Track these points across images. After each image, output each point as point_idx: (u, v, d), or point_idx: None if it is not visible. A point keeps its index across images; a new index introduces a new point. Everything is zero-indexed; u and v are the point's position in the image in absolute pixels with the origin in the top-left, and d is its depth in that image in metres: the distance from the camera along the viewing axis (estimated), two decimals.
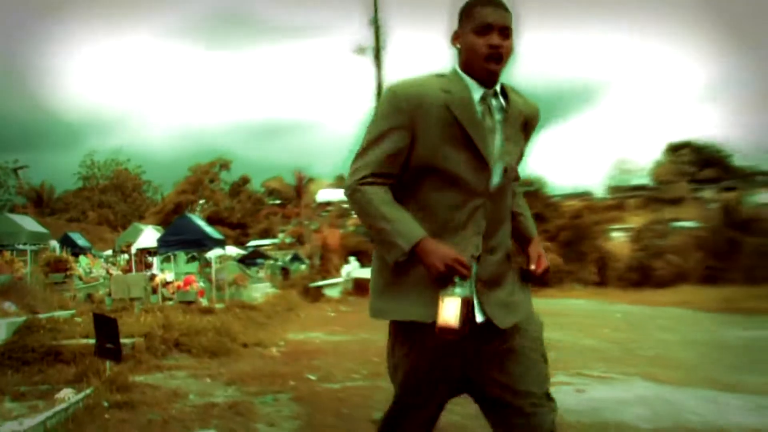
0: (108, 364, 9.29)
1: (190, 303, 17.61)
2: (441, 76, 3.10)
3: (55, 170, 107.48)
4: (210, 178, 75.28)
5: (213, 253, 25.63)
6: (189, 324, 13.38)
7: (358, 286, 32.49)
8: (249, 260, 39.09)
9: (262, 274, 32.40)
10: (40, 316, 12.41)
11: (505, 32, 2.97)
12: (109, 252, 33.54)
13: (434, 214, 3.02)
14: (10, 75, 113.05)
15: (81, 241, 33.36)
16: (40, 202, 68.27)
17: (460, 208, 3.00)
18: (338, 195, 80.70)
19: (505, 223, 3.18)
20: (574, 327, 16.31)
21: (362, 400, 8.29)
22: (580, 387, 8.74)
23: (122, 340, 10.07)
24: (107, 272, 24.03)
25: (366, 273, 35.60)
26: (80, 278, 21.58)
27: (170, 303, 17.58)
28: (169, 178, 77.40)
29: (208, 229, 27.66)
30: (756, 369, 10.20)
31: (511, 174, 3.12)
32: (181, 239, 25.94)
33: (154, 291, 18.48)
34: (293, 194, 52.10)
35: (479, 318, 3.01)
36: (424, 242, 2.88)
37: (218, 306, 17.91)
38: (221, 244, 28.12)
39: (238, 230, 66.53)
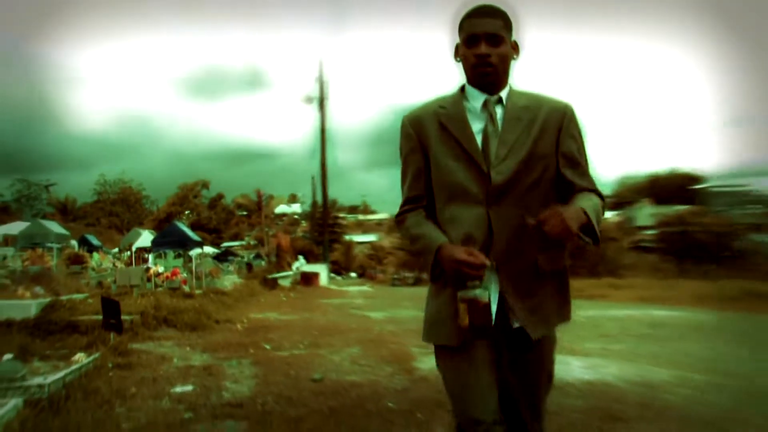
0: (112, 335, 9.22)
1: (175, 289, 17.42)
2: (444, 95, 2.56)
3: (76, 187, 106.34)
4: (193, 194, 74.88)
5: (194, 252, 25.45)
6: (174, 305, 13.27)
7: (304, 278, 32.36)
8: (222, 257, 38.63)
9: (231, 268, 32.06)
10: (62, 297, 12.27)
11: (494, 39, 2.34)
12: (116, 250, 32.90)
13: (452, 226, 2.41)
14: (46, 114, 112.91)
15: (95, 241, 32.95)
16: (65, 211, 66.97)
17: (469, 217, 2.36)
18: (290, 208, 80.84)
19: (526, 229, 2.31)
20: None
21: (305, 364, 8.33)
22: None
23: (123, 317, 10.02)
24: (114, 265, 23.56)
25: (310, 268, 35.62)
26: (93, 269, 21.19)
27: (160, 289, 17.37)
28: (162, 193, 76.72)
29: (191, 234, 27.64)
30: (594, 339, 10.44)
31: (527, 179, 2.38)
32: (170, 241, 25.88)
33: (149, 280, 18.23)
34: (256, 208, 51.69)
35: (515, 324, 2.39)
36: (441, 249, 2.33)
37: (197, 292, 17.70)
38: (200, 244, 28.06)
39: (214, 234, 65.90)
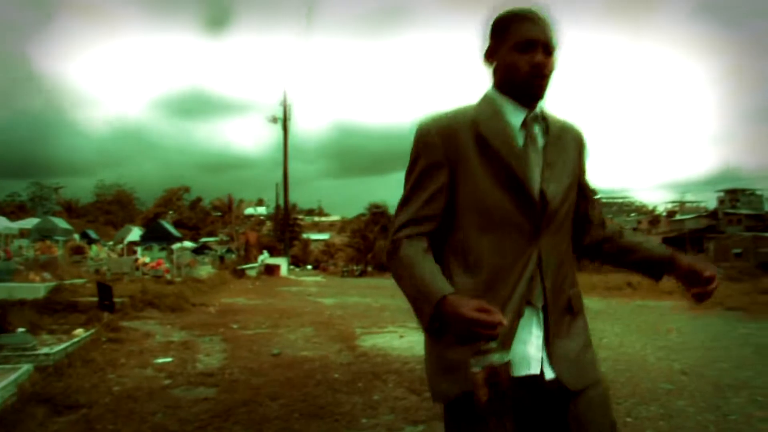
0: (106, 314, 9.18)
1: (159, 277, 17.29)
2: (473, 105, 1.74)
3: (80, 189, 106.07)
4: (177, 197, 74.38)
5: (176, 246, 25.14)
6: (158, 290, 13.18)
7: (268, 269, 32.19)
8: (199, 251, 38.10)
9: (207, 260, 31.64)
10: (65, 282, 12.25)
11: (549, 49, 1.66)
12: (111, 243, 32.31)
13: (482, 262, 1.64)
14: (57, 127, 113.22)
15: (93, 235, 32.26)
16: (70, 209, 65.87)
17: (511, 252, 1.63)
18: (257, 210, 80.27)
19: (565, 264, 1.74)
20: (398, 297, 16.64)
21: (266, 341, 8.41)
22: (402, 334, 8.90)
23: (115, 299, 10.02)
24: (109, 256, 23.18)
25: (273, 260, 35.43)
26: (92, 259, 20.80)
27: (147, 276, 17.20)
28: (150, 196, 76.06)
29: (173, 230, 27.33)
30: None
31: (565, 207, 1.73)
32: (156, 236, 25.53)
33: (137, 269, 18.04)
34: (228, 209, 51.26)
35: (549, 374, 1.63)
36: (445, 303, 1.49)
37: (177, 279, 17.57)
38: (181, 240, 27.71)
39: (193, 231, 64.99)
